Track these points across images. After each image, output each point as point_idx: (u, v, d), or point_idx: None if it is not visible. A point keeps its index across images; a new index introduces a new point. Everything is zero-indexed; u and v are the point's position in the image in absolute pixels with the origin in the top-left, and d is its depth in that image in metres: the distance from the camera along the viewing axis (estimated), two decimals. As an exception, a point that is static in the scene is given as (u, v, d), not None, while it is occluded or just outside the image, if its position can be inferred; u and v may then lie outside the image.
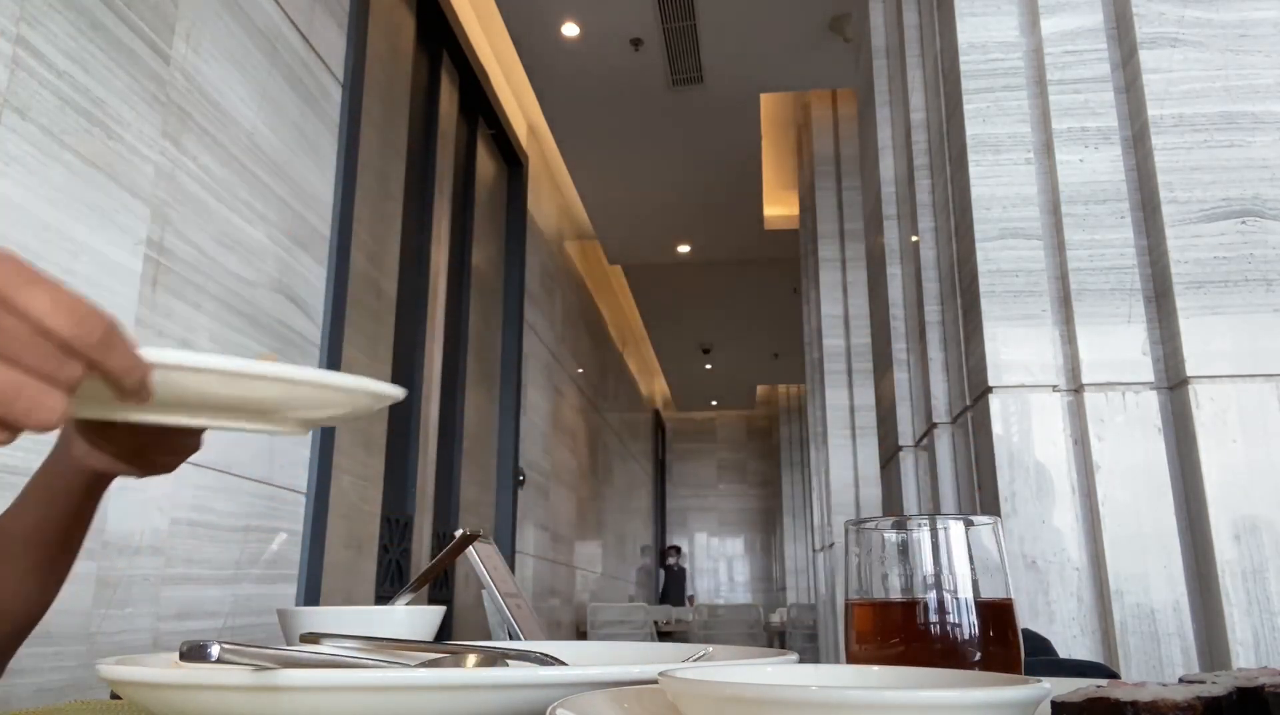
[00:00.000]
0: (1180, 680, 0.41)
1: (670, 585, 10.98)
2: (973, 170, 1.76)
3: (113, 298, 1.44)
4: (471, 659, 0.54)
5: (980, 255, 1.72)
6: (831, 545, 5.08)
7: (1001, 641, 0.50)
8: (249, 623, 1.78)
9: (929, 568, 0.50)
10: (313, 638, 0.62)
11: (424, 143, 3.24)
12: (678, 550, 11.34)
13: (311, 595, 2.07)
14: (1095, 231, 1.68)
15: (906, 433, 2.29)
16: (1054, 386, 1.63)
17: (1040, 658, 0.65)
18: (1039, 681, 0.36)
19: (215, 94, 1.75)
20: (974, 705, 0.33)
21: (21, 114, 1.28)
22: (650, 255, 7.39)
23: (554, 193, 5.60)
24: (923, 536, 0.51)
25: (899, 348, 2.37)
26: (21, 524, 0.64)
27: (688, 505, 13.32)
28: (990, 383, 1.64)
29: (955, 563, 0.50)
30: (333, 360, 2.18)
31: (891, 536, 0.52)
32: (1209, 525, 1.46)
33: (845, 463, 4.91)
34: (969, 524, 0.51)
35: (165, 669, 0.43)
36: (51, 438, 0.57)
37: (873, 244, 2.66)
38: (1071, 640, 1.51)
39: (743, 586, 13.14)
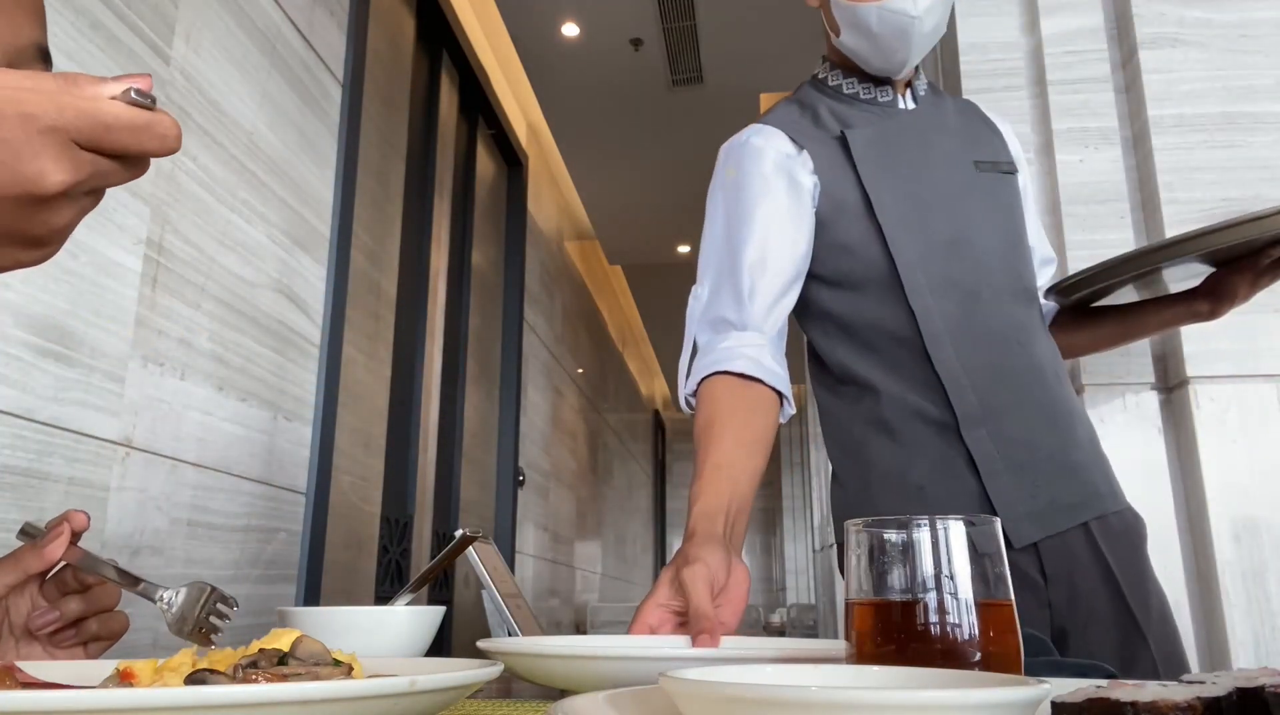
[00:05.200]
0: (1180, 680, 0.41)
1: None
2: (973, 170, 1.76)
3: (112, 297, 1.44)
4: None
5: (980, 255, 1.71)
6: (831, 545, 5.08)
7: (1002, 642, 0.50)
8: (249, 623, 1.78)
9: (929, 568, 0.50)
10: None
11: (424, 143, 3.24)
12: None
13: (311, 595, 2.07)
14: (1095, 231, 1.68)
15: (906, 433, 2.28)
16: (1054, 386, 1.63)
17: (1040, 658, 0.65)
18: (1039, 682, 0.36)
19: (215, 94, 1.75)
20: (974, 705, 0.33)
21: (21, 114, 1.28)
22: (650, 255, 7.39)
23: (554, 193, 5.60)
24: (923, 536, 0.51)
25: (899, 348, 2.36)
26: None
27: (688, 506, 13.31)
28: (990, 383, 1.64)
29: (955, 563, 0.50)
30: (332, 360, 2.18)
31: (891, 536, 0.52)
32: (1209, 525, 1.46)
33: (845, 463, 4.90)
34: (969, 524, 0.51)
35: None
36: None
37: (873, 244, 2.65)
38: (1071, 640, 1.51)
39: (743, 586, 13.13)
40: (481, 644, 0.69)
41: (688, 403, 1.10)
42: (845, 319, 1.17)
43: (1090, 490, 1.11)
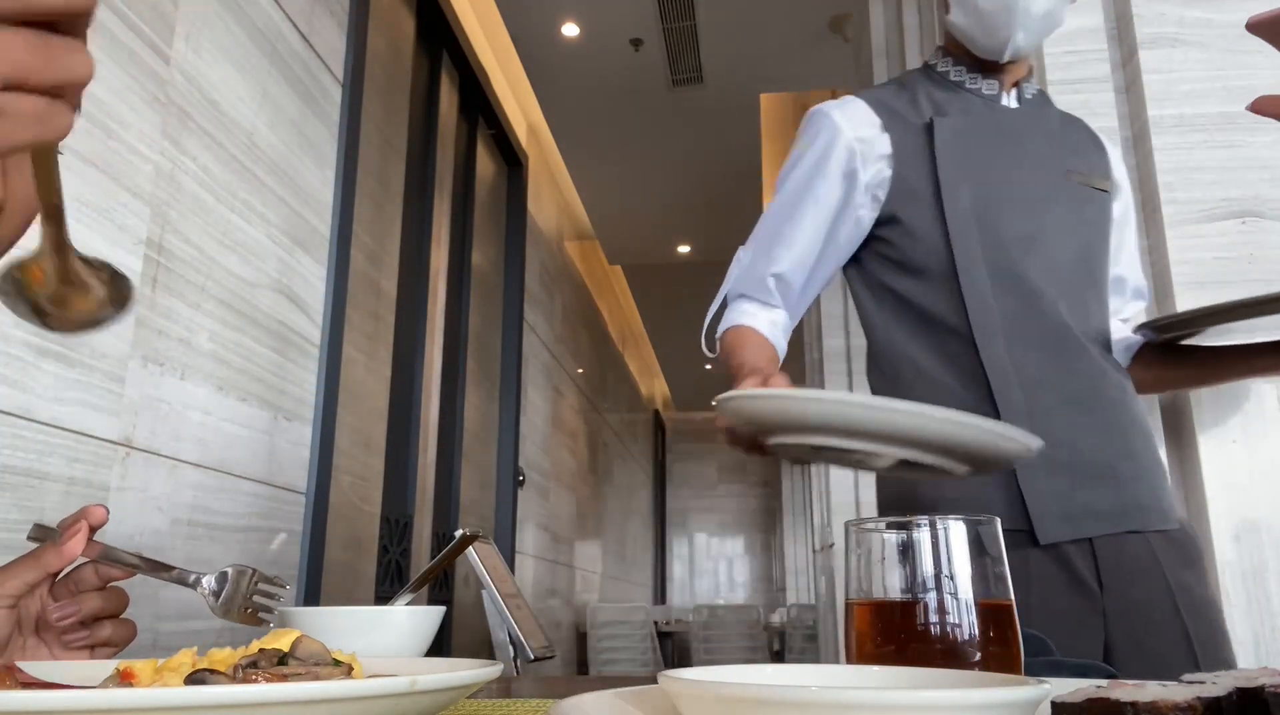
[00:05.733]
0: (1180, 680, 0.41)
1: None
2: (973, 170, 1.76)
3: (113, 298, 1.44)
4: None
5: (980, 255, 1.71)
6: (831, 545, 5.08)
7: (1002, 642, 0.50)
8: (249, 623, 1.78)
9: (929, 568, 0.50)
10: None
11: (424, 143, 3.24)
12: None
13: (311, 595, 2.07)
14: (1095, 231, 1.68)
15: (906, 433, 2.28)
16: (1054, 386, 1.63)
17: (1040, 658, 0.65)
18: (1039, 682, 0.36)
19: (215, 94, 1.75)
20: (974, 705, 0.33)
21: (21, 114, 1.28)
22: (650, 255, 7.39)
23: (554, 193, 5.60)
24: (923, 536, 0.51)
25: (899, 348, 2.36)
26: None
27: (688, 506, 13.31)
28: (990, 383, 1.64)
29: (955, 563, 0.50)
30: (332, 360, 2.18)
31: (891, 536, 0.52)
32: (1209, 525, 1.46)
33: (845, 463, 4.89)
34: (970, 524, 0.51)
35: None
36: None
37: (873, 244, 2.65)
38: (1071, 640, 1.51)
39: (743, 586, 13.14)
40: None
41: (709, 343, 1.25)
42: (905, 298, 1.20)
43: (1133, 503, 1.10)
